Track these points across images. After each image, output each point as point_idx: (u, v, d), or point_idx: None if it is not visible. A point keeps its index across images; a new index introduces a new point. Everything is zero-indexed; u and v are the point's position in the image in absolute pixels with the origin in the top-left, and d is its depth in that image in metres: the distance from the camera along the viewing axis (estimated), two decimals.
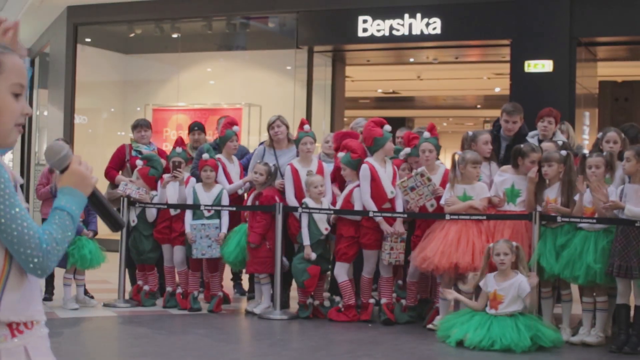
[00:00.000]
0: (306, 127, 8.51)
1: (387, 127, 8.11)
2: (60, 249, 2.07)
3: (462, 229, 7.51)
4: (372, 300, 8.12)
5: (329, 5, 13.08)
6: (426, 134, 8.03)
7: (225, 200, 8.55)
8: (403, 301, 8.07)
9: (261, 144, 9.38)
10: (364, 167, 7.90)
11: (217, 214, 8.49)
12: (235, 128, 9.06)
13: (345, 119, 15.27)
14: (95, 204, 2.30)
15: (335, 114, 14.51)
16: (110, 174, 9.31)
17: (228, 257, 8.34)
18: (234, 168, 9.01)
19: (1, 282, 2.02)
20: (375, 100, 22.90)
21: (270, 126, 8.86)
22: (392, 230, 7.82)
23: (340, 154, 8.28)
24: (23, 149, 18.76)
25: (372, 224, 7.93)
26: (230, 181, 8.82)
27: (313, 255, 8.09)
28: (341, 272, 8.06)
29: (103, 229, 8.93)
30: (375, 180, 7.91)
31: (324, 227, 8.14)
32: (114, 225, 2.36)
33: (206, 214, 8.49)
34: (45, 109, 17.42)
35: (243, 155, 9.40)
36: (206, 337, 7.32)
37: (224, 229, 8.44)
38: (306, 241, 8.14)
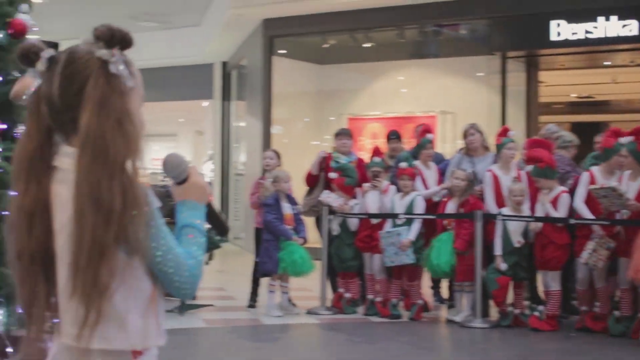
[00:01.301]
0: (511, 132, 8.44)
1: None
2: (202, 269, 2.04)
3: None
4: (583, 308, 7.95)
5: (522, 10, 12.86)
6: (627, 138, 7.76)
7: (419, 208, 8.55)
8: (616, 312, 7.79)
9: (459, 151, 9.34)
10: (585, 175, 7.86)
11: (409, 222, 8.51)
12: (429, 136, 9.10)
13: (539, 125, 14.94)
14: (208, 212, 2.23)
15: (530, 120, 14.24)
16: (309, 178, 9.43)
17: (442, 267, 8.28)
18: (431, 174, 9.03)
19: (155, 308, 2.01)
20: (569, 105, 22.27)
21: (464, 134, 8.84)
22: (602, 233, 7.62)
23: (529, 167, 8.18)
24: (222, 159, 19.49)
25: (586, 232, 7.76)
26: (427, 187, 8.84)
27: (503, 266, 8.00)
28: (551, 280, 7.90)
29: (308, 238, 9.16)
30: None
31: (516, 239, 8.02)
32: (222, 230, 2.41)
33: (398, 221, 8.53)
34: (243, 120, 18.01)
35: (439, 162, 9.39)
36: (408, 345, 7.35)
37: (412, 236, 8.43)
38: (497, 251, 8.07)
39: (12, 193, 1.99)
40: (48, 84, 1.96)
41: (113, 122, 1.88)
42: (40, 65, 1.98)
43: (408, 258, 8.37)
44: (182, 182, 2.14)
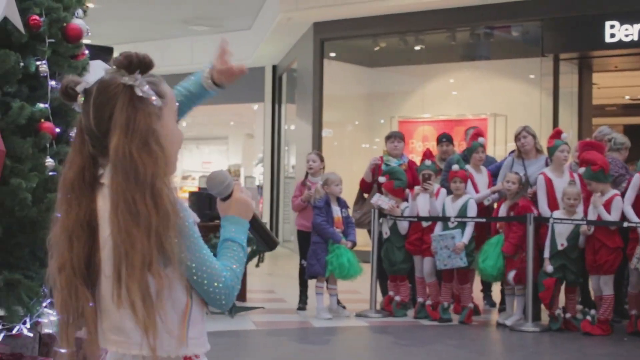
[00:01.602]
0: (563, 135, 8.38)
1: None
2: (239, 281, 2.11)
3: None
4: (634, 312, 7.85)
5: (574, 11, 12.73)
6: None
7: (472, 211, 8.52)
8: None
9: (510, 153, 9.28)
10: (637, 177, 7.78)
11: (463, 224, 8.48)
12: (481, 139, 9.05)
13: (592, 127, 14.78)
14: (255, 227, 2.31)
15: (583, 123, 14.09)
16: (364, 185, 9.44)
17: (489, 270, 8.25)
18: (482, 178, 8.98)
19: (186, 318, 2.06)
20: (623, 107, 22.00)
21: (516, 137, 8.79)
22: None
23: (581, 169, 8.11)
24: (273, 162, 19.57)
25: (636, 236, 7.68)
26: (477, 192, 8.80)
27: (549, 268, 7.95)
28: (604, 284, 7.82)
29: (358, 241, 9.18)
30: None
31: (560, 242, 7.96)
32: (271, 244, 2.40)
33: (450, 225, 8.50)
34: (293, 124, 18.08)
35: (489, 164, 9.34)
36: (458, 349, 7.33)
37: (465, 239, 8.39)
38: (546, 253, 8.04)
39: (57, 214, 2.11)
40: (85, 114, 2.08)
41: (138, 142, 1.98)
42: (80, 99, 2.10)
43: (461, 261, 8.34)
44: (226, 198, 2.22)
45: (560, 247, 7.97)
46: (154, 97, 2.03)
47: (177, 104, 2.19)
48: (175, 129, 2.12)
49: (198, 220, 2.12)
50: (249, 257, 8.58)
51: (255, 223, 2.29)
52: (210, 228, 8.40)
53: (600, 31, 12.50)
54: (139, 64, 2.05)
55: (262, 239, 2.38)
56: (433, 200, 8.64)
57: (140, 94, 2.02)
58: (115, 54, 10.19)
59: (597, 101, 15.72)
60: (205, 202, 9.49)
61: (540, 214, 8.23)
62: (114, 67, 2.06)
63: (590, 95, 14.58)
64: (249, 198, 2.22)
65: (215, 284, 2.04)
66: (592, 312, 8.01)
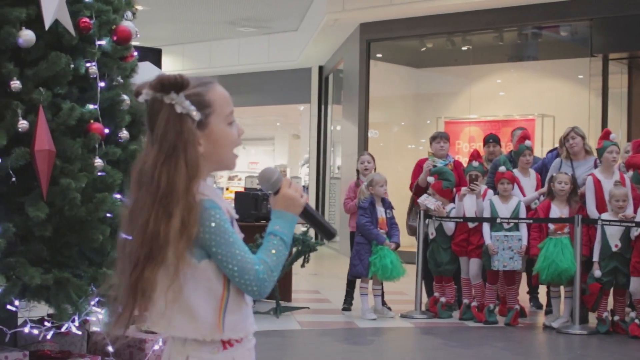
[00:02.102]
0: (612, 135, 8.30)
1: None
2: (275, 274, 2.24)
3: None
4: None
5: (624, 11, 12.57)
6: None
7: (523, 213, 8.48)
8: None
9: (551, 151, 9.21)
10: None
11: (516, 227, 8.43)
12: (528, 142, 8.97)
13: None
14: (308, 218, 2.43)
15: (632, 123, 13.93)
16: (419, 189, 9.34)
17: (562, 273, 8.10)
18: (529, 182, 8.92)
19: (222, 307, 2.23)
20: None
21: (565, 138, 8.71)
22: None
23: (630, 174, 8.02)
24: (318, 163, 19.61)
25: None
26: (524, 195, 8.75)
27: (597, 273, 7.87)
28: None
29: (404, 242, 9.16)
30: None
31: (614, 243, 7.87)
32: (327, 235, 2.50)
33: (505, 226, 8.45)
34: (339, 124, 18.10)
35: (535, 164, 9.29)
36: (505, 350, 7.28)
37: (525, 241, 8.36)
38: (595, 257, 7.95)
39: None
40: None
41: (165, 155, 2.18)
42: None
43: (519, 264, 8.32)
44: (276, 193, 2.36)
45: (614, 249, 7.89)
46: (194, 112, 2.21)
47: (232, 108, 2.32)
48: (226, 130, 2.28)
49: (236, 216, 2.33)
50: (295, 258, 8.62)
51: (307, 215, 2.41)
52: (255, 228, 8.45)
53: None
54: (171, 86, 2.22)
55: (318, 230, 2.49)
56: (480, 201, 8.59)
57: (180, 110, 2.20)
58: (164, 56, 10.29)
59: None
60: (251, 202, 9.54)
61: (588, 216, 8.16)
62: (150, 91, 2.24)
63: (639, 96, 14.40)
64: (295, 193, 2.34)
65: (247, 276, 2.19)
66: (632, 314, 7.93)
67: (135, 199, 2.23)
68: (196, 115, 2.21)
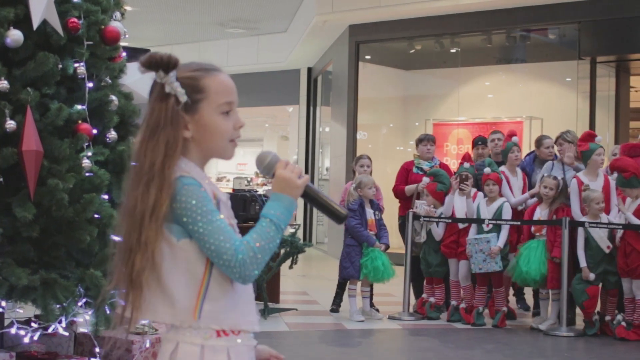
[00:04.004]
0: (598, 138, 8.31)
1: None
2: (260, 257, 2.14)
3: None
4: None
5: (612, 14, 12.61)
6: None
7: (506, 214, 8.48)
8: None
9: (529, 154, 9.29)
10: None
11: (497, 228, 8.44)
12: (515, 139, 9.05)
13: (630, 131, 14.65)
14: (312, 200, 2.32)
15: (620, 126, 13.97)
16: (398, 190, 9.38)
17: (532, 275, 8.12)
18: (517, 182, 8.95)
19: (201, 292, 2.16)
20: None
21: (556, 141, 8.77)
22: None
23: (614, 176, 8.06)
24: (307, 165, 19.61)
25: None
26: (513, 195, 8.78)
27: (591, 276, 7.88)
28: (637, 289, 7.74)
29: (392, 243, 9.17)
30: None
31: (605, 245, 7.89)
32: (336, 217, 2.35)
33: (485, 228, 8.47)
34: (328, 126, 18.11)
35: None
36: (493, 352, 7.29)
37: (500, 243, 8.35)
38: (582, 263, 7.96)
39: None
40: None
41: (149, 134, 2.19)
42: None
43: (496, 265, 8.31)
44: (273, 176, 2.28)
45: (607, 250, 7.90)
46: (182, 95, 2.19)
47: (231, 99, 2.28)
48: (216, 119, 2.23)
49: (223, 199, 2.24)
50: (283, 259, 8.61)
51: (310, 197, 2.31)
52: (244, 229, 8.42)
53: (637, 34, 12.41)
54: (158, 64, 2.20)
55: (324, 212, 2.36)
56: (470, 202, 8.60)
57: (168, 90, 2.19)
58: None
59: (634, 104, 15.58)
60: (240, 203, 9.53)
61: (574, 218, 8.19)
62: (141, 67, 2.22)
63: (627, 99, 14.46)
64: (291, 174, 2.24)
65: (225, 256, 2.11)
66: (620, 316, 7.95)
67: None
68: (183, 97, 2.19)
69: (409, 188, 9.19)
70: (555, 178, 8.34)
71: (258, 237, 2.16)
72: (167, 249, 2.14)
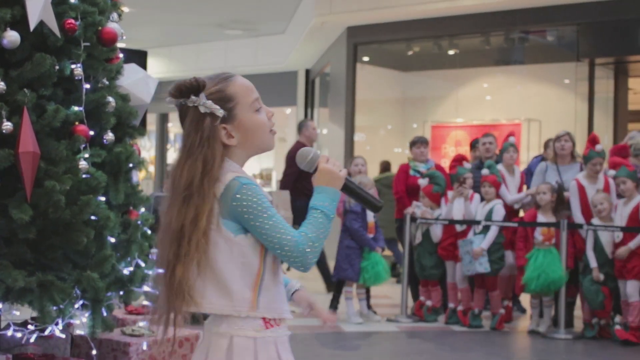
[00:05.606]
0: (598, 147, 8.24)
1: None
2: (317, 246, 2.33)
3: None
4: None
5: (611, 16, 12.59)
6: None
7: (497, 216, 8.45)
8: None
9: (536, 157, 9.24)
10: None
11: (486, 230, 8.41)
12: (511, 139, 9.05)
13: (628, 133, 14.62)
14: (350, 193, 2.51)
15: (618, 128, 13.95)
16: (401, 193, 9.32)
17: (551, 284, 8.04)
18: (514, 181, 8.94)
19: (258, 283, 2.34)
20: None
21: (556, 139, 8.72)
22: None
23: (611, 172, 8.04)
24: None
25: None
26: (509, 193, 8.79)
27: (601, 277, 7.86)
28: (633, 290, 7.73)
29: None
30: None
31: (610, 251, 7.88)
32: (373, 207, 2.56)
33: (476, 230, 8.46)
34: (325, 127, 18.08)
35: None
36: (490, 355, 7.28)
37: (484, 245, 8.31)
38: (593, 263, 7.93)
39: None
40: None
41: (186, 155, 2.34)
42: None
43: (481, 267, 8.27)
44: (315, 171, 2.48)
45: (610, 256, 7.89)
46: (217, 109, 2.36)
47: (256, 95, 2.47)
48: (254, 117, 2.44)
49: (270, 198, 2.40)
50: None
51: (349, 189, 2.50)
52: None
53: (636, 36, 12.39)
54: (189, 90, 2.35)
55: (362, 203, 2.55)
56: (468, 204, 8.59)
57: (203, 110, 2.35)
58: (150, 58, 10.23)
59: (632, 106, 15.56)
60: None
61: (574, 220, 8.18)
62: (171, 99, 2.39)
63: (625, 101, 14.44)
64: (333, 167, 2.44)
65: (287, 247, 2.29)
66: (617, 318, 7.95)
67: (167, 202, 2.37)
68: (220, 112, 2.36)
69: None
70: (548, 183, 8.35)
71: (313, 228, 2.34)
72: (224, 245, 2.31)
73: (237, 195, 2.30)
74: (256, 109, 2.44)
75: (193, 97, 2.34)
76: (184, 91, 2.35)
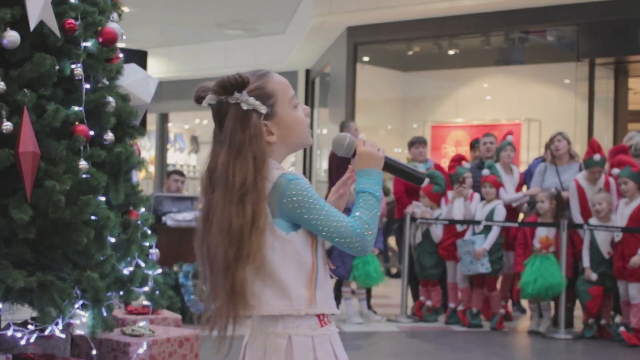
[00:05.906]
0: (596, 156, 8.15)
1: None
2: (373, 227, 2.32)
3: None
4: None
5: (611, 16, 12.58)
6: None
7: (499, 216, 8.45)
8: None
9: (537, 159, 9.23)
10: None
11: (487, 230, 8.41)
12: (509, 137, 9.06)
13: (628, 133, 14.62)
14: (392, 170, 2.52)
15: (618, 128, 13.94)
16: (401, 199, 9.32)
17: (549, 289, 8.04)
18: (511, 180, 8.94)
19: (313, 279, 2.33)
20: None
21: (551, 140, 8.73)
22: None
23: (616, 170, 8.02)
24: (305, 166, 19.58)
25: None
26: (506, 192, 8.79)
27: (593, 276, 7.86)
28: (637, 292, 7.73)
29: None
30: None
31: (606, 250, 7.88)
32: (417, 180, 2.56)
33: (476, 230, 8.46)
34: (325, 128, 18.08)
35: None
36: (490, 355, 7.28)
37: (486, 245, 8.31)
38: (586, 263, 7.94)
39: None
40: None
41: (235, 154, 2.30)
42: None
43: (483, 267, 8.28)
44: (354, 155, 2.47)
45: (607, 256, 7.89)
46: (261, 107, 2.34)
47: (293, 92, 2.46)
48: (293, 114, 2.42)
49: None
50: None
51: (390, 167, 2.49)
52: None
53: (636, 36, 12.37)
54: (234, 86, 2.34)
55: (406, 178, 2.57)
56: (468, 204, 8.59)
57: (246, 107, 2.34)
58: (150, 58, 10.23)
59: (633, 106, 15.55)
60: None
61: (572, 220, 8.18)
62: (214, 96, 2.36)
63: (626, 101, 14.42)
64: (371, 148, 2.42)
65: (345, 234, 2.27)
66: (618, 318, 7.96)
67: (208, 200, 2.35)
68: (263, 108, 2.34)
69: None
70: (547, 190, 8.35)
71: (365, 211, 2.34)
72: (277, 244, 2.29)
73: (287, 192, 2.27)
74: (294, 106, 2.44)
75: (236, 94, 2.33)
76: (229, 88, 2.34)
